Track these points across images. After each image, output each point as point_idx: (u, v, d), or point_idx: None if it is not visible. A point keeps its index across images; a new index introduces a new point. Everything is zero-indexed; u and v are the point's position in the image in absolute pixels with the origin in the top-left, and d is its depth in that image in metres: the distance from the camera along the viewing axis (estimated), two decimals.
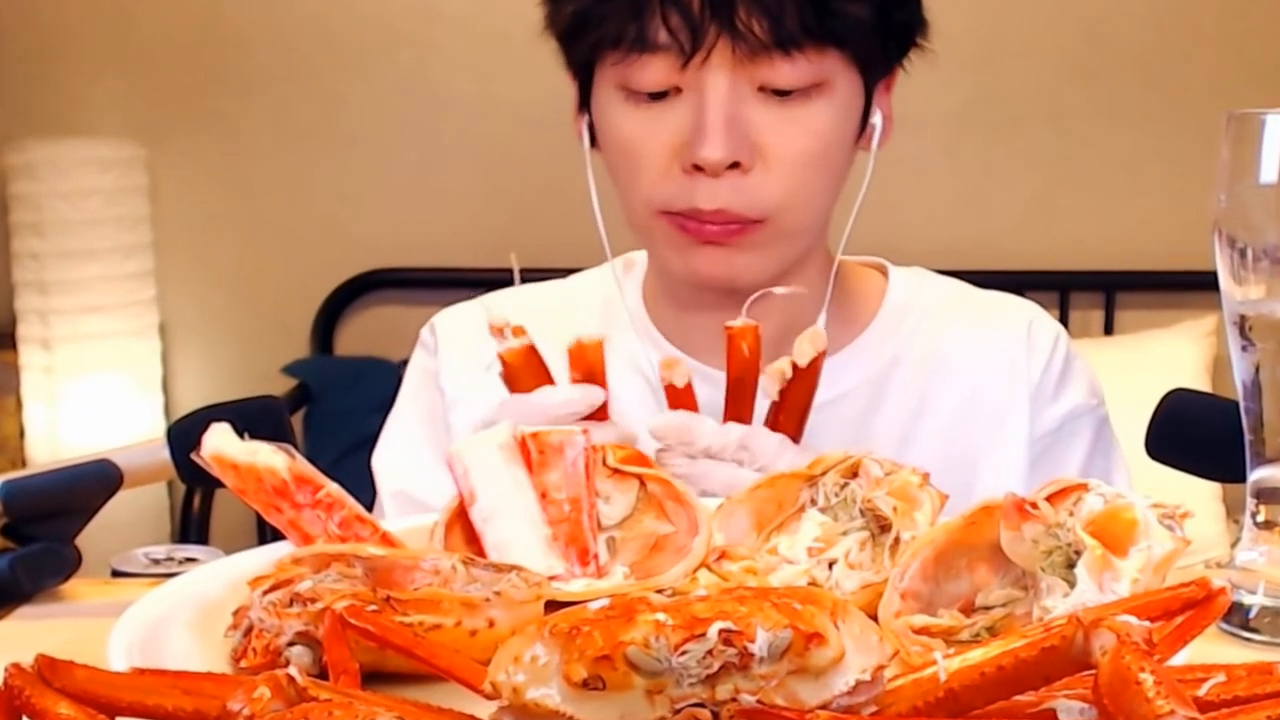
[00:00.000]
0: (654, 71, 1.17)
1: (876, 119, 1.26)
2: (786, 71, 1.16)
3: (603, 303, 1.38)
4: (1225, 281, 0.87)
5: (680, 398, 1.14)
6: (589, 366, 1.13)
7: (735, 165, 1.17)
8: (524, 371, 1.14)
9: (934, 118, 3.03)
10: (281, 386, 3.09)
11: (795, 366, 1.12)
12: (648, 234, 1.26)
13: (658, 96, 1.19)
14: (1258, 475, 0.89)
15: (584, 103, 1.27)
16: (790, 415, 1.14)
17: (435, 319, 1.44)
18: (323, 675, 0.71)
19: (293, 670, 0.62)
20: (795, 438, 1.13)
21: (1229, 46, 3.06)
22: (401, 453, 1.38)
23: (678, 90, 1.18)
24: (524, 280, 1.43)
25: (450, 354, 1.40)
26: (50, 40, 3.20)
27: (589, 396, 1.12)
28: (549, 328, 1.37)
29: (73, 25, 3.20)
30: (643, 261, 1.39)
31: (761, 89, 1.17)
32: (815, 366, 1.13)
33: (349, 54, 3.19)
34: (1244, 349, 0.87)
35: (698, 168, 1.17)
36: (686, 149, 1.18)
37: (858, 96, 1.22)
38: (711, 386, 1.29)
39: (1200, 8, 3.07)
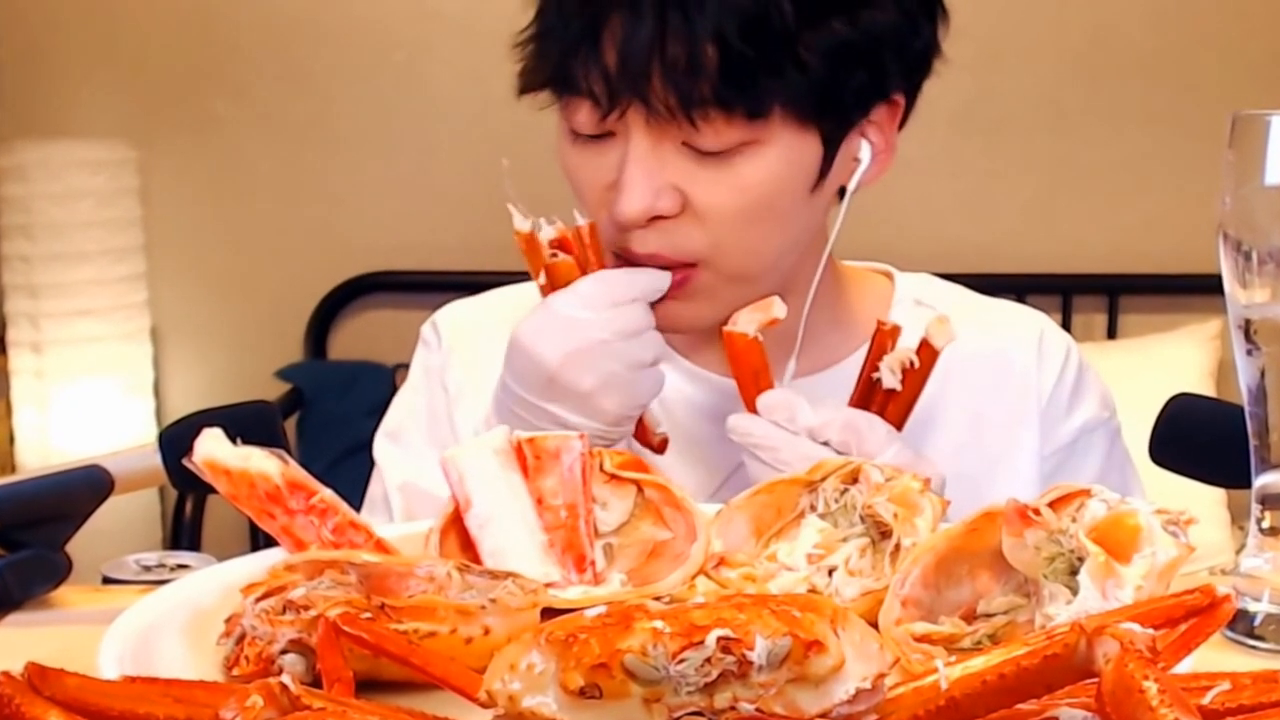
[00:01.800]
0: (584, 115, 1.16)
1: (864, 154, 1.21)
2: (707, 135, 1.13)
3: None
4: (1230, 285, 0.86)
5: None
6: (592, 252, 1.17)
7: (658, 217, 1.15)
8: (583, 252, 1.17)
9: (934, 119, 3.00)
10: (275, 391, 3.08)
11: (923, 349, 1.12)
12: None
13: (595, 135, 1.17)
14: (1263, 481, 0.89)
15: None
16: (900, 406, 1.14)
17: (436, 315, 1.43)
18: (316, 683, 0.70)
19: (286, 678, 0.62)
20: (899, 429, 1.13)
21: (1233, 47, 3.05)
22: (404, 449, 1.37)
23: (612, 133, 1.16)
24: (517, 282, 1.43)
25: (457, 348, 1.39)
26: (41, 41, 3.19)
27: (655, 280, 1.16)
28: None
29: (63, 26, 3.19)
30: None
31: (686, 144, 1.14)
32: (934, 358, 1.13)
33: (342, 55, 3.18)
34: (1249, 353, 0.86)
35: None
36: (610, 196, 1.17)
37: (809, 148, 1.16)
38: (701, 385, 1.29)
39: (1204, 8, 3.07)
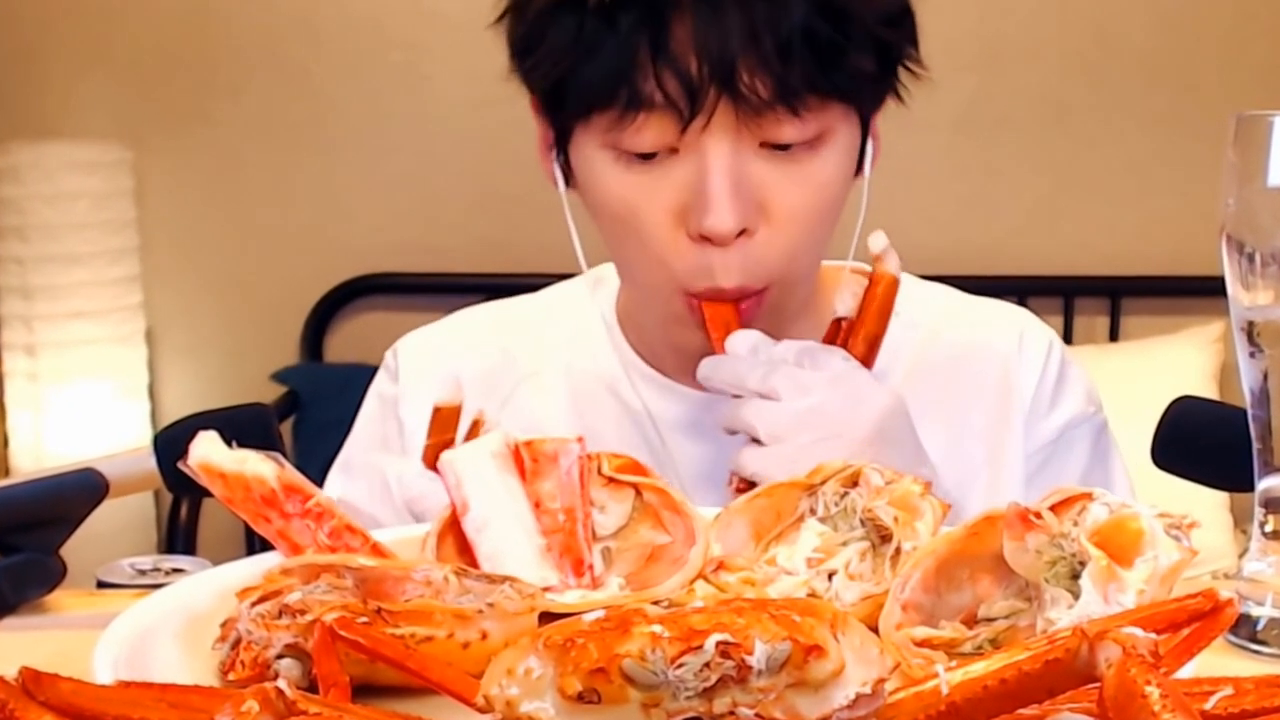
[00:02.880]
0: (649, 134, 1.11)
1: (869, 146, 1.21)
2: (791, 129, 1.11)
3: (574, 319, 1.36)
4: (1233, 287, 0.86)
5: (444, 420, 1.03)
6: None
7: (743, 231, 1.12)
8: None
9: (935, 119, 3.02)
10: (270, 394, 3.08)
11: (875, 273, 1.14)
12: (661, 302, 1.20)
13: (650, 156, 1.13)
14: (1266, 484, 0.88)
15: (559, 143, 1.20)
16: (860, 341, 1.15)
17: (400, 343, 1.40)
18: (312, 688, 0.70)
19: (282, 683, 0.62)
20: (866, 365, 1.13)
21: (1236, 47, 3.05)
22: (354, 481, 1.36)
23: (673, 150, 1.12)
24: (516, 283, 1.42)
25: (412, 382, 1.36)
26: (34, 41, 3.19)
27: None
28: (520, 343, 1.36)
29: (57, 26, 3.19)
30: (612, 276, 1.34)
31: (763, 144, 1.12)
32: (891, 291, 1.14)
33: (339, 56, 3.18)
34: (1252, 355, 0.86)
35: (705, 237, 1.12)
36: (691, 216, 1.12)
37: (856, 137, 1.18)
38: (682, 404, 1.28)
39: (1206, 9, 3.06)
